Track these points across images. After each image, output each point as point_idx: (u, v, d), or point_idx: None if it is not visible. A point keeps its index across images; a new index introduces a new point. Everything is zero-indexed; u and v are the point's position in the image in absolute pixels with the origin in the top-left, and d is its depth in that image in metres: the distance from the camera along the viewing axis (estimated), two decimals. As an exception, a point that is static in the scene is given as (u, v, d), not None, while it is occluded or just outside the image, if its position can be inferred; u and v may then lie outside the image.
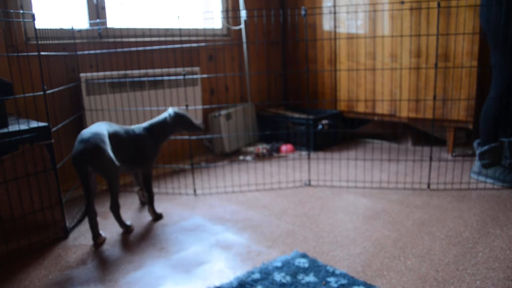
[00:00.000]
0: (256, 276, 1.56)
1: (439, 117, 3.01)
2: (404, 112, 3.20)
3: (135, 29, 2.87)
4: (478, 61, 2.80)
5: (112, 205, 1.94)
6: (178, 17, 2.40)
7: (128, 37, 2.82)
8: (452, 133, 3.06)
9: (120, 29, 2.80)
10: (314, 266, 1.61)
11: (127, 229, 2.04)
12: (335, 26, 3.47)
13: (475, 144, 2.58)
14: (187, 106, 2.55)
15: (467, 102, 2.89)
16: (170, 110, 2.24)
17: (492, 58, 2.42)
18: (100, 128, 1.89)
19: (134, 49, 2.73)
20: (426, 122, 3.15)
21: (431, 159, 2.53)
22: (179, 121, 2.24)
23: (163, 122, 2.21)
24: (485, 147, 2.48)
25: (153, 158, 2.20)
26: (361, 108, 3.45)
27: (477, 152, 2.54)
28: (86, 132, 1.84)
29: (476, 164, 2.57)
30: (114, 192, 1.91)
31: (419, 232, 1.90)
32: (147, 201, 2.18)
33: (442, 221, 2.00)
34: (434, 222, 2.00)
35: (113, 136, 1.93)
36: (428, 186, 2.47)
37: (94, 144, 1.79)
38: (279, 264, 1.64)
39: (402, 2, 2.98)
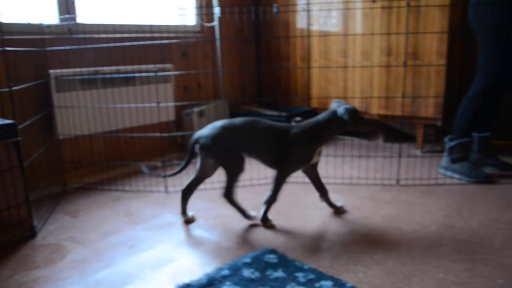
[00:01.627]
0: (225, 272, 1.56)
1: (408, 114, 3.07)
2: (375, 109, 3.25)
3: (106, 25, 2.83)
4: (447, 59, 2.87)
5: (225, 193, 1.97)
6: (151, 13, 2.38)
7: (99, 33, 2.78)
8: (422, 130, 3.13)
9: (91, 25, 2.76)
10: (283, 262, 1.63)
11: (247, 217, 2.03)
12: (308, 24, 3.49)
13: (446, 139, 2.63)
14: (158, 103, 2.53)
15: (436, 99, 2.96)
16: (340, 106, 2.04)
17: (479, 57, 2.45)
18: (223, 121, 2.00)
19: (105, 45, 2.68)
20: (396, 119, 3.20)
21: (400, 156, 2.58)
22: (353, 118, 1.99)
23: (332, 119, 2.07)
24: (455, 142, 2.54)
25: (295, 163, 2.07)
26: (333, 105, 3.49)
27: (447, 146, 2.59)
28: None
29: (445, 159, 2.63)
30: (228, 181, 1.96)
31: (387, 227, 1.94)
32: (266, 200, 2.06)
33: (410, 216, 2.05)
34: (402, 217, 2.04)
35: (240, 129, 1.97)
36: (398, 182, 2.51)
37: (206, 134, 1.98)
38: (248, 260, 1.65)
39: (374, 1, 3.02)
